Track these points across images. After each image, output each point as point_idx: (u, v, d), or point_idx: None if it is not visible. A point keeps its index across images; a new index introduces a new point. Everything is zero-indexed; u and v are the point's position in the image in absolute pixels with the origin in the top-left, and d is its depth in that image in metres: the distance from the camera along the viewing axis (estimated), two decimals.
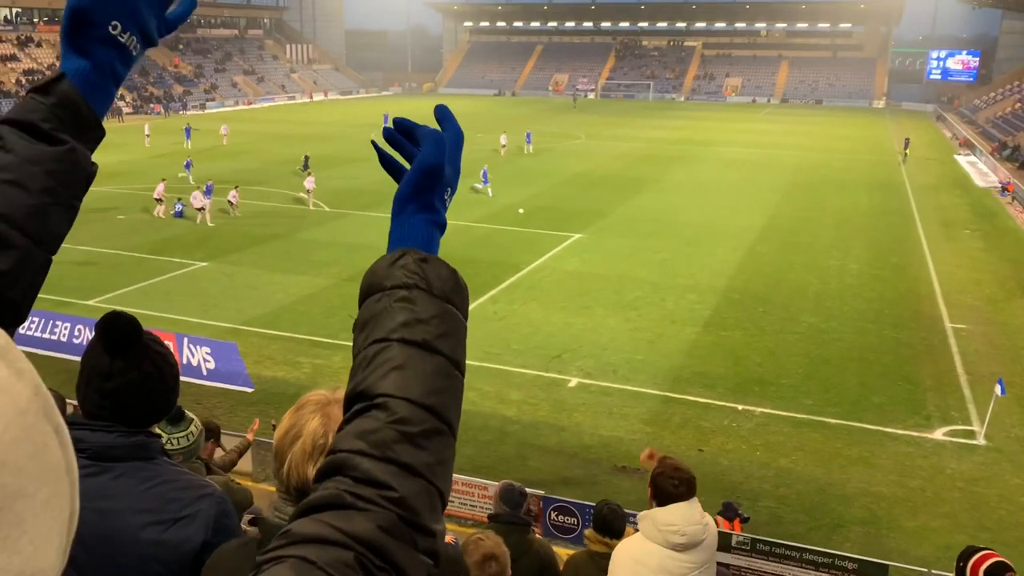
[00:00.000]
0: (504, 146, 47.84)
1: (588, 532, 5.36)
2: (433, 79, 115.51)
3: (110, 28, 1.12)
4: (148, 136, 51.23)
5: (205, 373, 16.31)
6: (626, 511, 5.77)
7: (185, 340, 16.58)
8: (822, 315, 21.31)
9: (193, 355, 16.33)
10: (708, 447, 14.68)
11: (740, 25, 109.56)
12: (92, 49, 1.12)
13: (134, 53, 1.14)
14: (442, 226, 1.17)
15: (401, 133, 1.19)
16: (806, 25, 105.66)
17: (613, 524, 5.26)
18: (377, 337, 1.04)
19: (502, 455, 14.26)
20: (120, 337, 2.04)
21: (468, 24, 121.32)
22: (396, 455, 0.93)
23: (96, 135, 1.13)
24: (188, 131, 50.62)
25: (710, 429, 15.31)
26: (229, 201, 30.81)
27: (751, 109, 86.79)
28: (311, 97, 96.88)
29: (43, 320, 17.82)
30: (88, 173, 1.11)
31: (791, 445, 14.82)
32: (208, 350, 16.39)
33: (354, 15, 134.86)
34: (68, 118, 1.05)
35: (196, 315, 20.29)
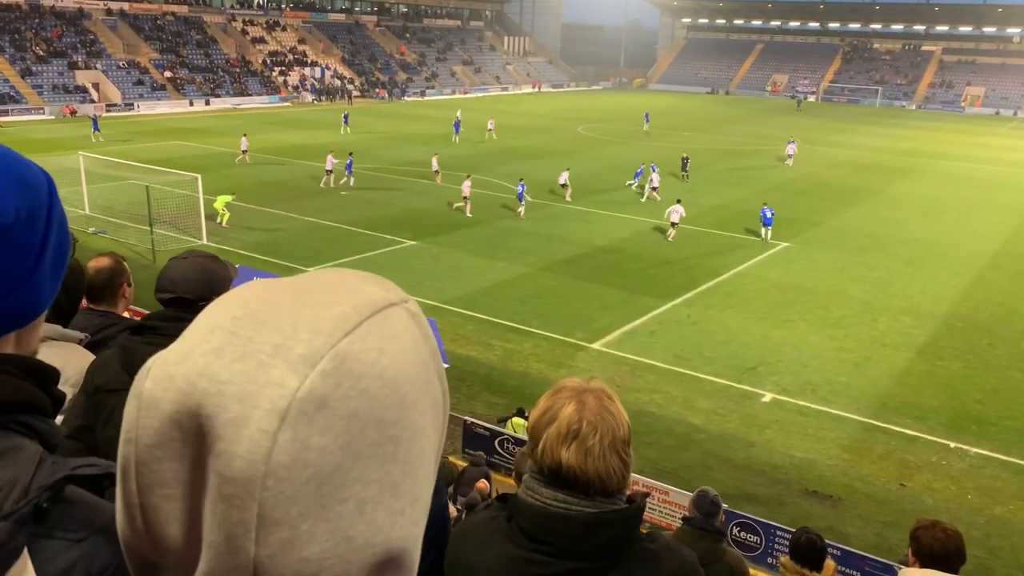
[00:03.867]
0: (791, 156, 44.42)
1: (784, 560, 5.10)
2: (645, 75, 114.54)
3: None
4: (459, 121, 51.38)
5: None
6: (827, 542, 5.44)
7: None
8: None
9: None
10: (911, 483, 13.61)
11: (989, 30, 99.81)
12: None
13: None
14: None
15: None
16: None
17: (812, 555, 4.96)
18: None
19: (685, 462, 13.97)
20: None
21: (686, 20, 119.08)
22: None
23: None
24: (457, 125, 50.33)
25: (915, 464, 14.18)
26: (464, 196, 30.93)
27: (993, 122, 79.09)
28: (538, 88, 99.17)
29: None
30: None
31: (1009, 493, 13.44)
32: None
33: (572, 9, 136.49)
34: None
35: (403, 290, 21.35)
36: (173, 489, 0.60)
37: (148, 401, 0.60)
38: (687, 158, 38.80)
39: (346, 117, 53.52)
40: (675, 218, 27.62)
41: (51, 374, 1.05)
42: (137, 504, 0.62)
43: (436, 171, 35.10)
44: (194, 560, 0.60)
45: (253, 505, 0.56)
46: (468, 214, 29.70)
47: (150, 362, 0.62)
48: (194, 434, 0.58)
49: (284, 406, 0.56)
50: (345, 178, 34.27)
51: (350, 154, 35.61)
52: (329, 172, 33.95)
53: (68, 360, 2.65)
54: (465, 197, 30.00)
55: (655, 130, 57.80)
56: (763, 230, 28.09)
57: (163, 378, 0.60)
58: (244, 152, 39.26)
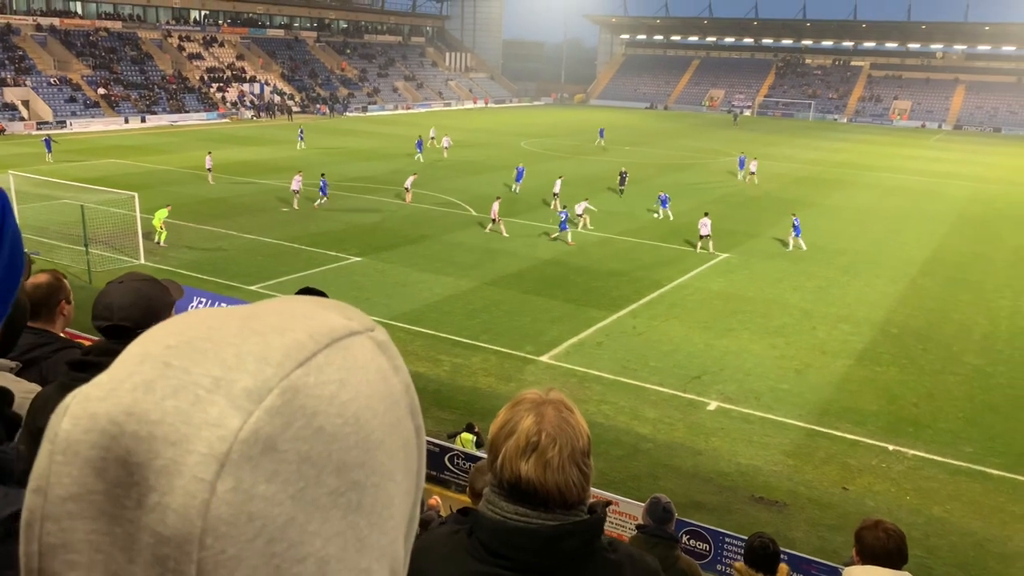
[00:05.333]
0: (753, 173, 43.71)
1: (739, 565, 5.18)
2: (585, 90, 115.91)
3: None
4: (433, 139, 51.46)
5: None
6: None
7: None
8: (989, 358, 19.81)
9: None
10: (853, 486, 13.93)
11: (914, 46, 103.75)
12: None
13: None
14: None
15: None
16: (988, 48, 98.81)
17: (766, 559, 5.04)
18: None
19: (633, 472, 14.07)
20: None
21: (625, 37, 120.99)
22: None
23: None
24: (420, 144, 48.00)
25: (857, 468, 14.53)
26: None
27: (920, 135, 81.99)
28: (486, 103, 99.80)
29: (209, 300, 19.10)
30: None
31: (946, 493, 13.85)
32: None
33: (512, 26, 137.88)
34: None
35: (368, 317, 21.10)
36: (80, 555, 0.50)
37: (65, 445, 0.51)
38: (625, 172, 39.07)
39: (301, 133, 52.59)
40: (704, 231, 28.36)
41: (3, 397, 0.99)
42: (36, 570, 0.51)
43: (407, 188, 34.34)
44: None
45: (191, 568, 0.48)
46: (505, 234, 29.18)
47: (69, 398, 0.54)
48: (120, 486, 0.50)
49: (223, 450, 0.49)
50: (320, 199, 32.80)
51: (322, 175, 34.27)
52: (296, 192, 32.40)
53: None
54: (493, 219, 29.47)
55: (596, 145, 58.47)
56: (791, 239, 29.47)
57: (84, 418, 0.51)
58: (209, 170, 37.54)
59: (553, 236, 29.03)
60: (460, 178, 41.36)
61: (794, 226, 29.72)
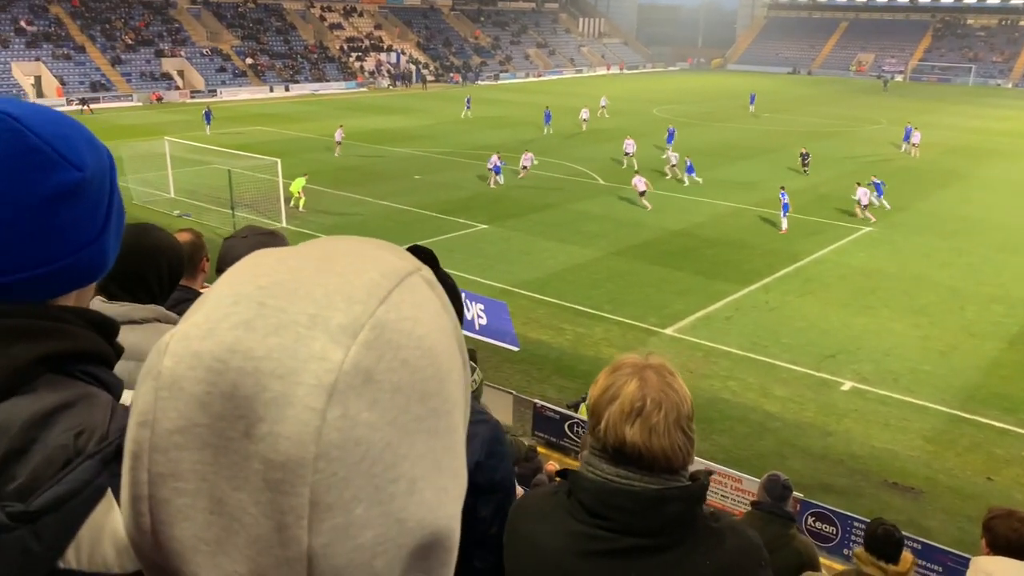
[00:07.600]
0: (915, 144, 40.28)
1: (859, 551, 4.93)
2: (723, 55, 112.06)
3: None
4: (604, 107, 51.95)
5: (477, 328, 17.25)
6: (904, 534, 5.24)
7: (463, 295, 17.58)
8: None
9: (468, 310, 17.31)
10: (999, 477, 13.05)
11: None
12: None
13: None
14: None
15: None
16: None
17: (889, 547, 4.78)
18: None
19: (760, 451, 13.69)
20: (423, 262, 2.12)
21: None
22: None
23: None
24: (548, 116, 45.67)
25: (1004, 458, 13.59)
26: (524, 166, 32.95)
27: None
28: (621, 68, 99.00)
29: None
30: None
31: None
32: (482, 307, 17.31)
33: None
34: None
35: (474, 273, 21.48)
36: (188, 483, 0.55)
37: (169, 381, 0.56)
38: (806, 153, 35.81)
39: (468, 101, 53.43)
40: (865, 200, 27.72)
41: (114, 327, 1.08)
42: (146, 497, 0.56)
43: (525, 167, 32.87)
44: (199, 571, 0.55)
45: (304, 490, 0.53)
46: (648, 206, 28.34)
47: (167, 337, 0.58)
48: (224, 419, 0.54)
49: (331, 381, 0.54)
50: (495, 179, 31.70)
51: (498, 155, 32.18)
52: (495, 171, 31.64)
53: None
54: (642, 192, 28.41)
55: (738, 111, 56.54)
56: (874, 199, 28.74)
57: (187, 356, 0.56)
58: (339, 143, 37.60)
59: (783, 228, 26.10)
60: (589, 146, 41.03)
61: (875, 185, 28.87)
